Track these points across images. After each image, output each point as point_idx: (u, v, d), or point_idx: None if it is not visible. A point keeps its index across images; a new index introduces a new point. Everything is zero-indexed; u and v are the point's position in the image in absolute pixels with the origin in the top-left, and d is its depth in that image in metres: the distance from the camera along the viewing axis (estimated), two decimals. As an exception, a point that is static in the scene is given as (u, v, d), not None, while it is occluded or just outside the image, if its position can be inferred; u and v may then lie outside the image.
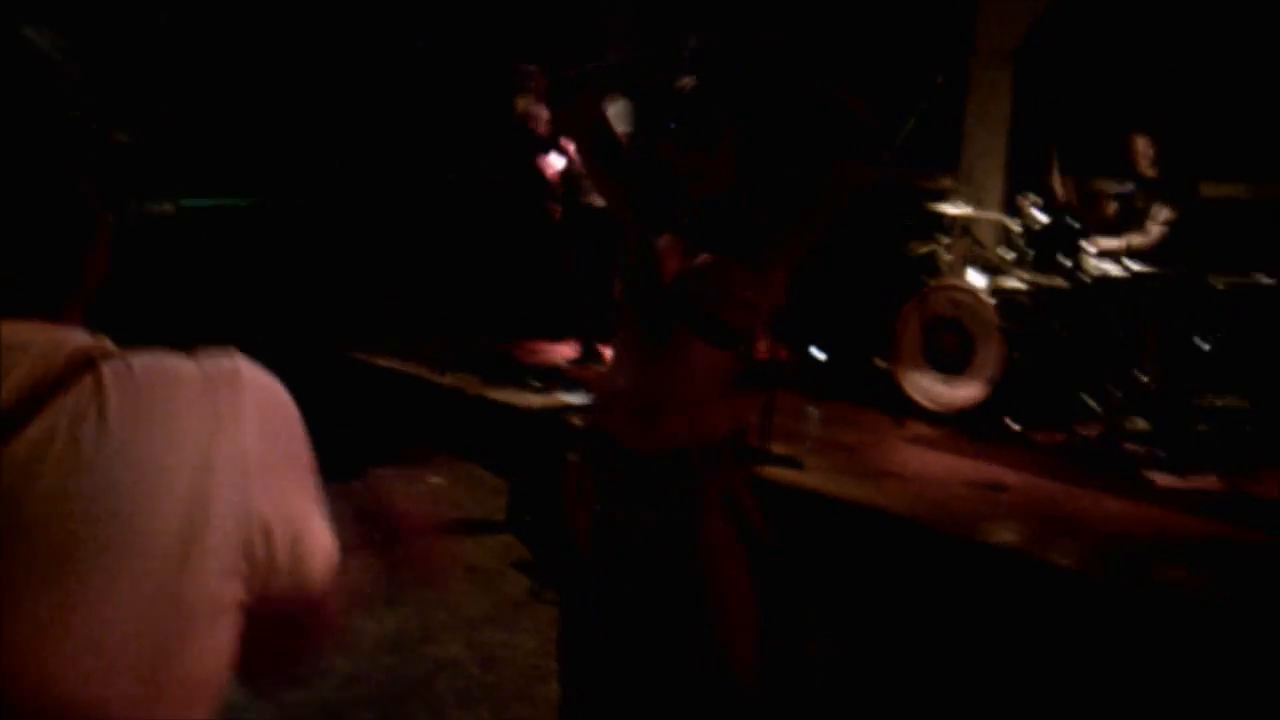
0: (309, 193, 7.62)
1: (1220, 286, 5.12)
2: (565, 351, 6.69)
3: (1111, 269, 5.22)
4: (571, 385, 5.84)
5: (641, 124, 6.01)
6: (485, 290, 7.65)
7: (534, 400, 5.56)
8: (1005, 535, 3.91)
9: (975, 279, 5.71)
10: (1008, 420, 5.42)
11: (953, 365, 5.58)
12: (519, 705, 3.07)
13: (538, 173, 6.42)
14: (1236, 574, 3.53)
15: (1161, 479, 4.65)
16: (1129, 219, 5.54)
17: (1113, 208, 5.56)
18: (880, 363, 5.96)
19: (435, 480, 5.12)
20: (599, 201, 6.14)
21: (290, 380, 0.96)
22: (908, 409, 5.62)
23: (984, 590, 3.67)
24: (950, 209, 5.90)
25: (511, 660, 3.35)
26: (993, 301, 5.46)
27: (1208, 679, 3.04)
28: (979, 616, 3.56)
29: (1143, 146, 5.53)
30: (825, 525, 4.21)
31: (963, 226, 6.09)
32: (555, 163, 6.26)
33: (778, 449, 4.63)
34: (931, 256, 6.01)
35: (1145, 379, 5.12)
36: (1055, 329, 5.46)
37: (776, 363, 4.44)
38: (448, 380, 5.98)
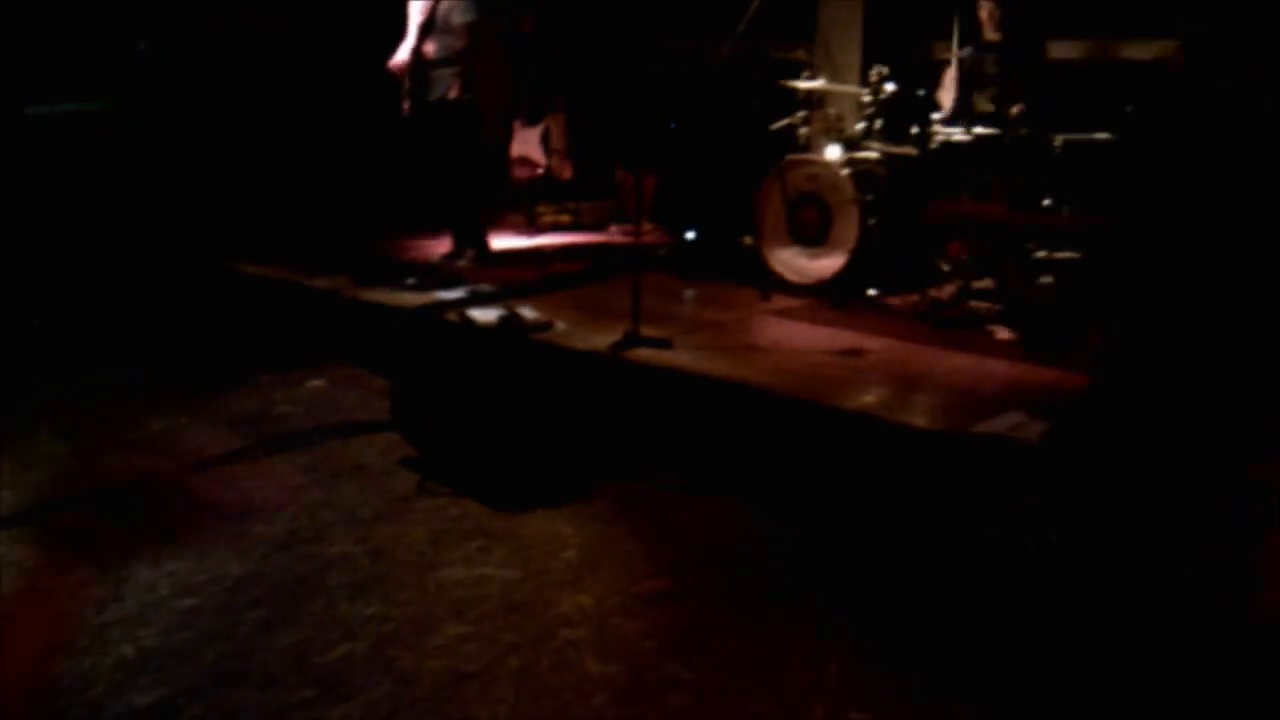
0: (168, 96, 7.40)
1: (1058, 145, 5.38)
2: (439, 247, 6.73)
3: (956, 134, 5.44)
4: (447, 281, 5.91)
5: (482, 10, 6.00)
6: (354, 190, 7.60)
7: (410, 299, 5.61)
8: (860, 397, 4.17)
9: (831, 152, 5.90)
10: (868, 288, 5.70)
11: (814, 238, 5.80)
12: (409, 592, 3.24)
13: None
14: (1059, 415, 3.84)
15: (1003, 333, 4.98)
16: (975, 82, 5.76)
17: (954, 73, 5.75)
18: (746, 240, 6.16)
19: (316, 384, 5.19)
20: (450, 94, 6.13)
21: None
22: (774, 283, 5.85)
23: (840, 450, 3.93)
24: (804, 84, 6.04)
25: (402, 552, 3.51)
26: (847, 173, 5.66)
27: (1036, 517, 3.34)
28: (834, 474, 3.82)
29: (987, 10, 5.72)
30: (694, 400, 4.42)
31: (819, 100, 6.25)
32: (399, 55, 6.17)
33: (649, 331, 4.81)
34: (791, 131, 6.16)
35: (989, 239, 5.42)
36: (908, 196, 5.71)
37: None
38: (321, 284, 5.99)
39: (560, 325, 5.10)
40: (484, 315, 5.10)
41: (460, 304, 5.44)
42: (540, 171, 7.45)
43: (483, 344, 4.96)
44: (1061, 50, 5.97)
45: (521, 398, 4.33)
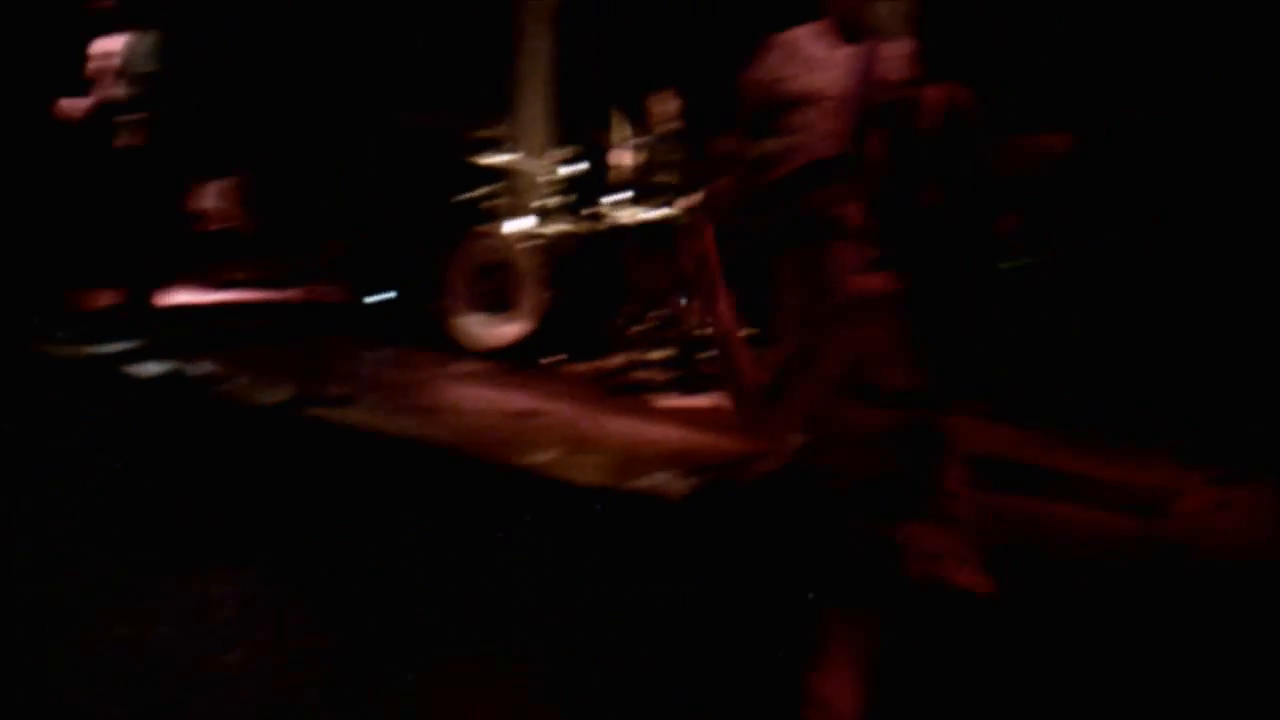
0: None
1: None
2: (107, 299, 6.43)
3: (629, 215, 5.85)
4: (109, 333, 5.67)
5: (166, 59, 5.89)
6: (26, 236, 7.15)
7: (64, 351, 5.36)
8: (529, 456, 4.38)
9: (516, 225, 6.17)
10: (548, 356, 5.97)
11: (497, 306, 6.03)
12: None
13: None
14: (707, 475, 4.19)
15: (667, 400, 5.37)
16: (654, 168, 6.21)
17: (634, 157, 6.18)
18: (433, 306, 6.30)
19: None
20: (130, 141, 5.97)
21: None
22: (458, 348, 6.02)
23: (510, 504, 4.11)
24: (494, 158, 6.30)
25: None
26: (532, 245, 5.94)
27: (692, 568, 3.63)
28: (501, 527, 3.99)
29: (662, 101, 6.21)
30: (371, 458, 4.48)
31: (508, 175, 6.53)
32: (77, 100, 5.97)
33: (328, 390, 4.84)
34: (480, 203, 6.39)
35: (659, 314, 5.83)
36: (587, 271, 6.06)
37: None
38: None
39: (235, 380, 5.04)
40: (147, 369, 4.96)
41: (120, 358, 5.25)
42: (227, 225, 7.31)
43: (142, 398, 4.82)
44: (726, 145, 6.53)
45: (182, 453, 4.24)
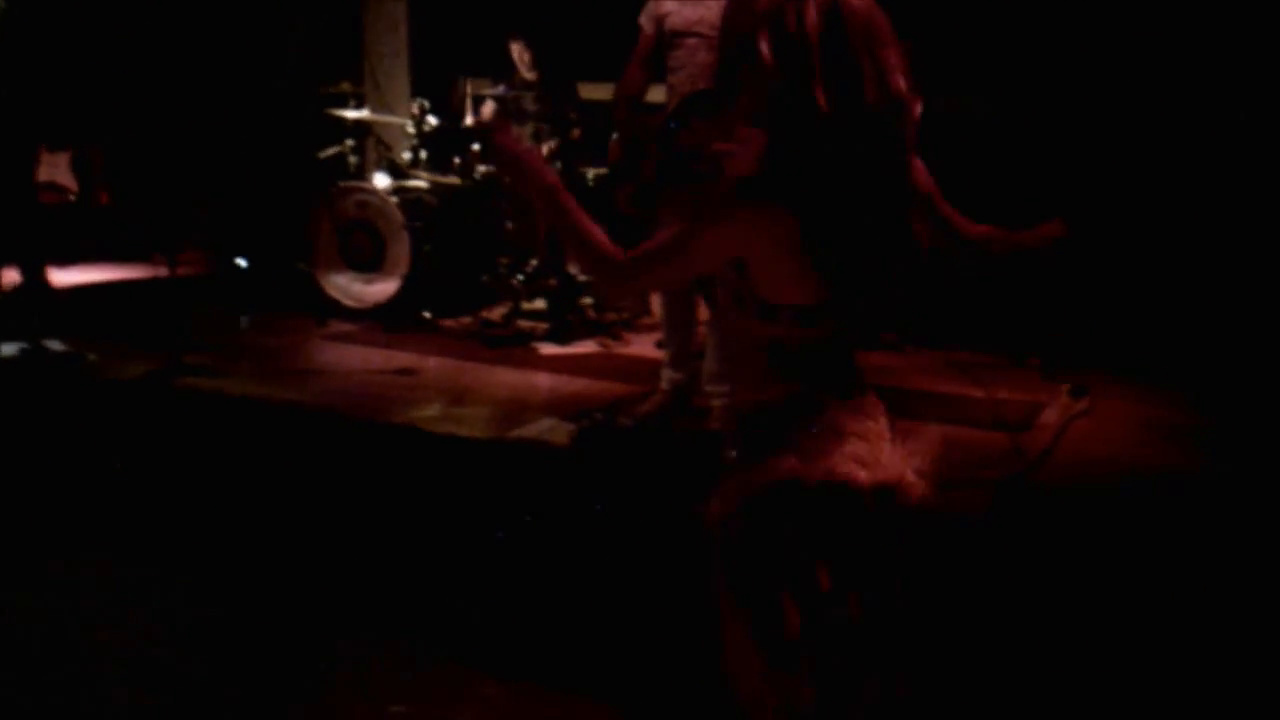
0: None
1: (591, 179, 5.88)
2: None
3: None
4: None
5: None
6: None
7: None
8: (409, 413, 4.34)
9: (380, 180, 6.04)
10: (422, 311, 5.88)
11: (368, 264, 5.90)
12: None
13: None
14: (591, 420, 4.21)
15: (546, 349, 5.37)
16: (513, 118, 6.13)
17: (492, 108, 6.11)
18: (301, 266, 6.15)
19: None
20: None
21: None
22: (330, 309, 5.88)
23: (392, 463, 4.07)
24: (350, 114, 6.14)
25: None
26: (397, 200, 5.83)
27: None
28: (384, 487, 3.95)
29: (518, 50, 6.12)
30: (248, 427, 4.38)
31: (367, 130, 6.38)
32: None
33: (195, 359, 4.70)
34: (340, 160, 6.23)
35: (534, 263, 5.80)
36: (457, 223, 5.98)
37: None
38: None
39: (98, 356, 4.85)
40: (2, 350, 4.74)
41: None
42: (71, 198, 6.98)
43: None
44: (594, 91, 6.50)
45: (47, 433, 4.09)
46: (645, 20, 4.10)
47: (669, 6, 4.00)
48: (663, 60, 4.09)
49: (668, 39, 4.01)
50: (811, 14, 1.62)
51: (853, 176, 1.63)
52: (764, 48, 1.63)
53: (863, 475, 1.73)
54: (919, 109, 1.66)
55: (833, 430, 1.74)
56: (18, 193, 5.83)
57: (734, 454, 1.81)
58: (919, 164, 1.76)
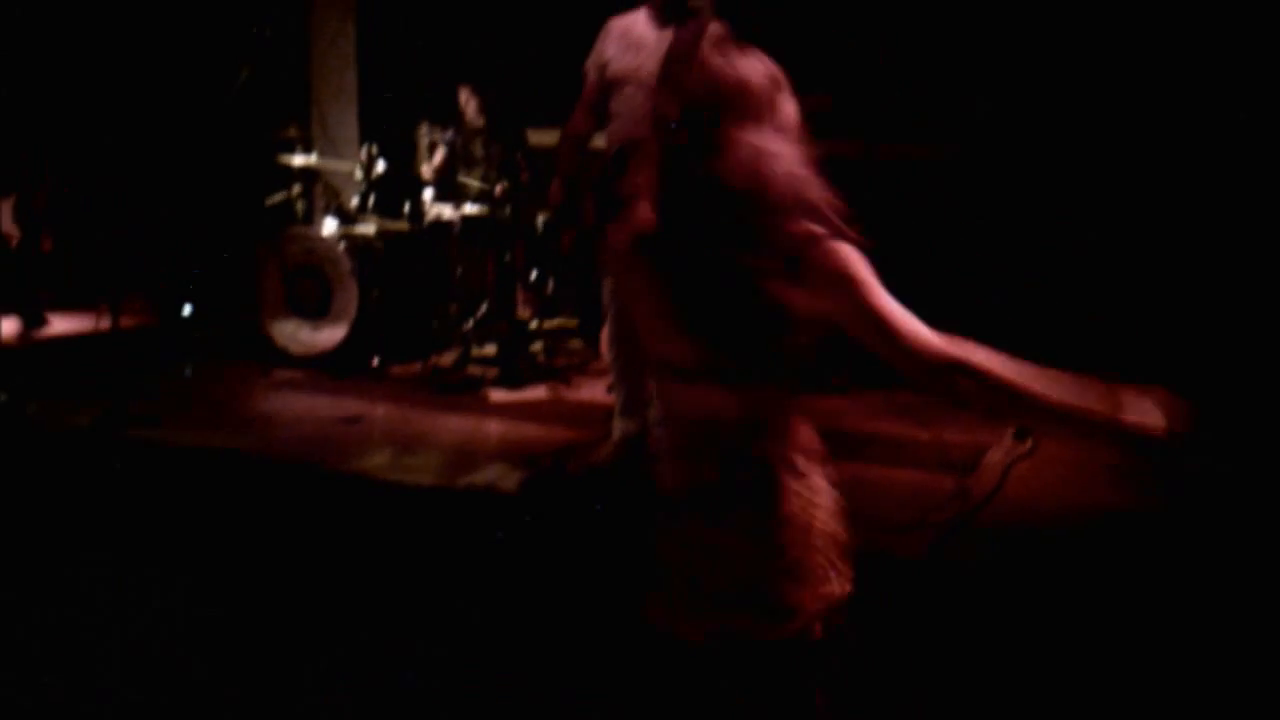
0: None
1: (539, 223, 5.90)
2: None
3: (446, 212, 5.79)
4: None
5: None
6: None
7: None
8: (356, 461, 4.30)
9: (328, 226, 6.02)
10: (371, 358, 5.84)
11: (315, 310, 5.86)
12: None
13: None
14: (540, 468, 4.20)
15: (497, 395, 5.35)
16: (461, 164, 6.15)
17: (443, 154, 6.12)
18: (247, 314, 6.09)
19: None
20: None
21: None
22: (276, 356, 5.83)
23: (338, 512, 4.02)
24: (296, 160, 6.12)
25: None
26: (344, 247, 5.80)
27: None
28: (328, 537, 3.90)
29: (466, 97, 6.17)
30: (189, 475, 4.32)
31: (315, 176, 6.36)
32: None
33: (138, 409, 4.65)
34: (288, 206, 6.21)
35: (485, 309, 5.80)
36: (406, 269, 5.97)
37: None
38: None
39: (39, 404, 4.78)
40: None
41: None
42: (12, 245, 6.86)
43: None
44: (542, 137, 6.54)
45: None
46: (590, 67, 4.15)
47: (610, 54, 4.06)
48: (606, 106, 4.14)
49: (609, 85, 4.06)
50: (692, 81, 1.64)
51: (716, 241, 1.63)
52: (656, 106, 1.67)
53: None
54: (810, 188, 1.63)
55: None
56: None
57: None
58: (836, 247, 1.62)
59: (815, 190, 1.62)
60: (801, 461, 1.74)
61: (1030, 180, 5.64)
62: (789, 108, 1.67)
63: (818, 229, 1.61)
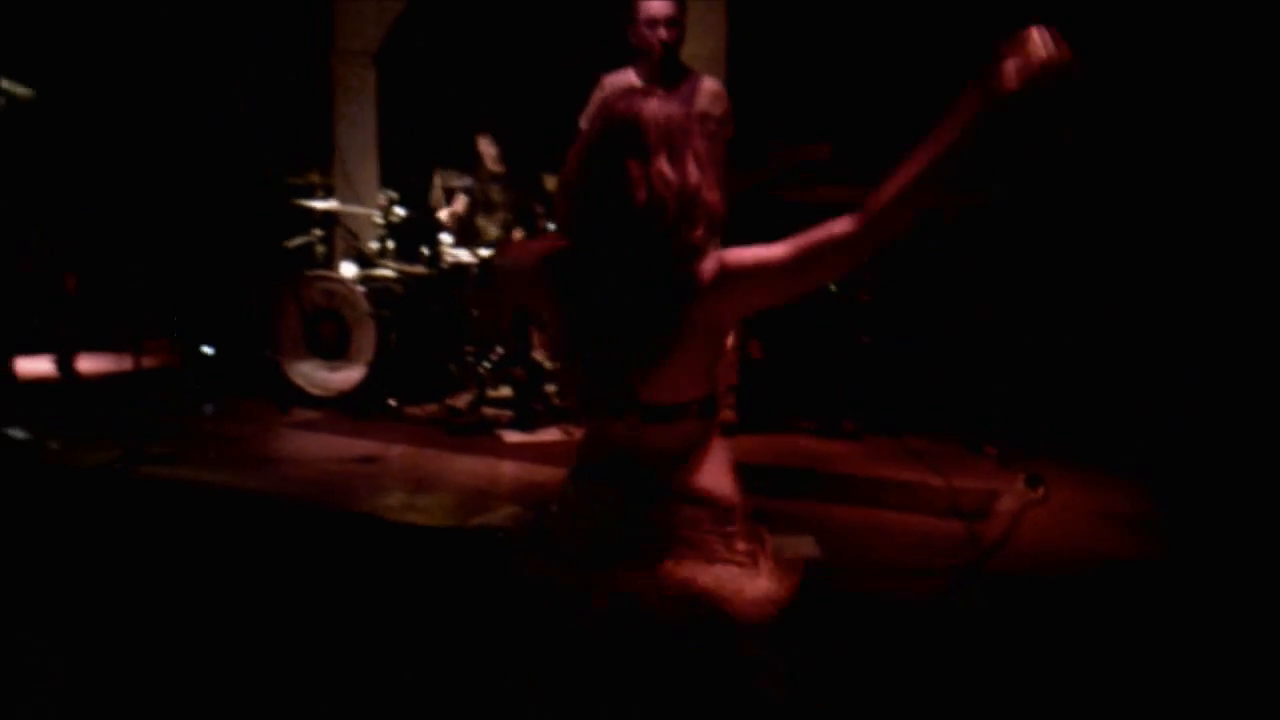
0: None
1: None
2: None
3: (464, 256, 5.87)
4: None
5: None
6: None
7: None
8: (371, 500, 4.34)
9: (347, 269, 6.11)
10: (388, 399, 5.91)
11: (333, 351, 5.95)
12: None
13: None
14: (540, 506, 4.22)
15: (511, 436, 5.39)
16: (480, 209, 6.26)
17: (461, 200, 6.23)
18: (266, 355, 6.18)
19: None
20: None
21: None
22: (294, 396, 5.90)
23: (351, 550, 4.05)
24: (318, 204, 6.23)
25: None
26: (363, 290, 5.89)
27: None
28: (340, 575, 3.93)
29: (485, 145, 6.28)
30: (206, 514, 4.36)
31: (335, 220, 6.47)
32: None
33: (158, 448, 4.71)
34: (308, 249, 6.31)
35: (500, 351, 5.86)
36: (423, 312, 6.04)
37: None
38: None
39: (60, 442, 4.84)
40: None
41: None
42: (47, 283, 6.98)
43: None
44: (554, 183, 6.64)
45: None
46: (585, 121, 4.24)
47: None
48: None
49: None
50: (596, 124, 1.86)
51: (609, 275, 1.79)
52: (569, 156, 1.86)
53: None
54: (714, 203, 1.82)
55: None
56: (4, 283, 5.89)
57: None
58: (725, 252, 1.84)
59: (704, 205, 1.81)
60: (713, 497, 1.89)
61: (1035, 228, 5.69)
62: (698, 142, 1.86)
63: (707, 240, 1.81)
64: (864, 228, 1.73)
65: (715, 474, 1.89)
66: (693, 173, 1.78)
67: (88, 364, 6.69)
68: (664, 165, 1.78)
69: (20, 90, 5.59)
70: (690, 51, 4.80)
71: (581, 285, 1.81)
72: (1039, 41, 1.62)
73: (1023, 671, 3.11)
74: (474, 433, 5.48)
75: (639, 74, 4.07)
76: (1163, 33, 5.46)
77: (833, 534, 4.01)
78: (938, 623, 3.31)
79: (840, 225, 1.75)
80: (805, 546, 3.84)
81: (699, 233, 1.79)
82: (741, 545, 1.84)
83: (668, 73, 4.00)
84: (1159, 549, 4.02)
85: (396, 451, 5.12)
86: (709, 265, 1.81)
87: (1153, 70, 5.47)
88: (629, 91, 1.88)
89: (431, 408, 5.85)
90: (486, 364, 5.87)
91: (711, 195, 1.80)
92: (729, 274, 1.81)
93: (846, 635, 3.17)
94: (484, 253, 5.84)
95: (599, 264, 1.79)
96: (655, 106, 1.83)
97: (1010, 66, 1.62)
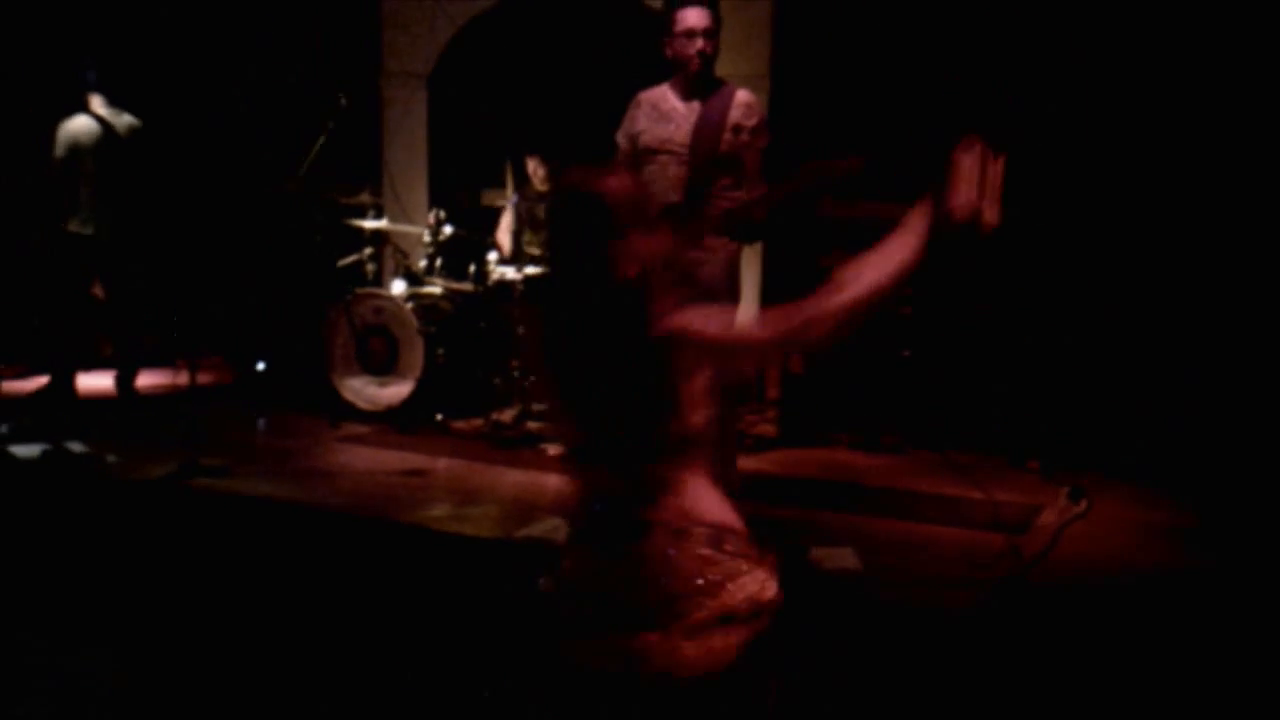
0: None
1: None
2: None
3: (510, 273, 5.97)
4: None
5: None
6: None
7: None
8: (418, 512, 4.43)
9: (397, 287, 6.23)
10: (435, 413, 6.01)
11: (383, 367, 6.07)
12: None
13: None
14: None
15: (555, 449, 5.46)
16: (527, 227, 6.35)
17: (509, 218, 6.33)
18: (317, 370, 6.31)
19: None
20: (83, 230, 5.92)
21: None
22: (344, 411, 6.03)
23: (398, 561, 4.14)
24: (368, 223, 6.37)
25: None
26: (412, 306, 6.01)
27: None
28: (391, 585, 4.02)
29: (534, 166, 6.40)
30: (259, 526, 4.48)
31: (385, 239, 6.60)
32: None
33: (211, 461, 4.83)
34: (359, 267, 6.44)
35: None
36: (470, 328, 6.15)
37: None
38: None
39: (117, 456, 4.99)
40: (25, 450, 4.89)
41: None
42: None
43: (21, 480, 4.75)
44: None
45: (66, 532, 4.19)
46: (622, 137, 4.30)
47: (642, 124, 4.21)
48: (638, 175, 4.29)
49: (640, 154, 4.21)
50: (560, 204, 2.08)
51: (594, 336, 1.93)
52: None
53: None
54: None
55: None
56: (74, 301, 6.10)
57: None
58: (676, 318, 1.90)
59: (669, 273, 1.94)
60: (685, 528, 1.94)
61: (1067, 242, 5.69)
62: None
63: (662, 301, 1.91)
64: (793, 335, 1.91)
65: (716, 506, 1.95)
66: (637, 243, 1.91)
67: (145, 380, 6.88)
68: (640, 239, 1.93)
69: (129, 120, 5.86)
70: (732, 70, 4.87)
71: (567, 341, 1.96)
72: (972, 185, 1.74)
73: (1063, 683, 3.13)
74: (519, 446, 5.57)
75: (673, 88, 4.13)
76: (1163, 33, 5.46)
77: (874, 547, 4.04)
78: (978, 634, 3.34)
79: (777, 327, 1.88)
80: (846, 559, 3.88)
81: (669, 299, 1.90)
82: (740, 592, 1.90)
83: (702, 85, 4.07)
84: (1201, 562, 4.02)
85: (443, 465, 5.22)
86: (675, 323, 1.90)
87: (1153, 71, 5.46)
88: (585, 173, 2.03)
89: (477, 422, 5.94)
90: (531, 379, 5.96)
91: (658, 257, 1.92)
92: (684, 339, 1.89)
93: (888, 645, 3.21)
94: (530, 270, 5.93)
95: (579, 322, 1.93)
96: (613, 183, 1.98)
97: (960, 198, 1.73)
